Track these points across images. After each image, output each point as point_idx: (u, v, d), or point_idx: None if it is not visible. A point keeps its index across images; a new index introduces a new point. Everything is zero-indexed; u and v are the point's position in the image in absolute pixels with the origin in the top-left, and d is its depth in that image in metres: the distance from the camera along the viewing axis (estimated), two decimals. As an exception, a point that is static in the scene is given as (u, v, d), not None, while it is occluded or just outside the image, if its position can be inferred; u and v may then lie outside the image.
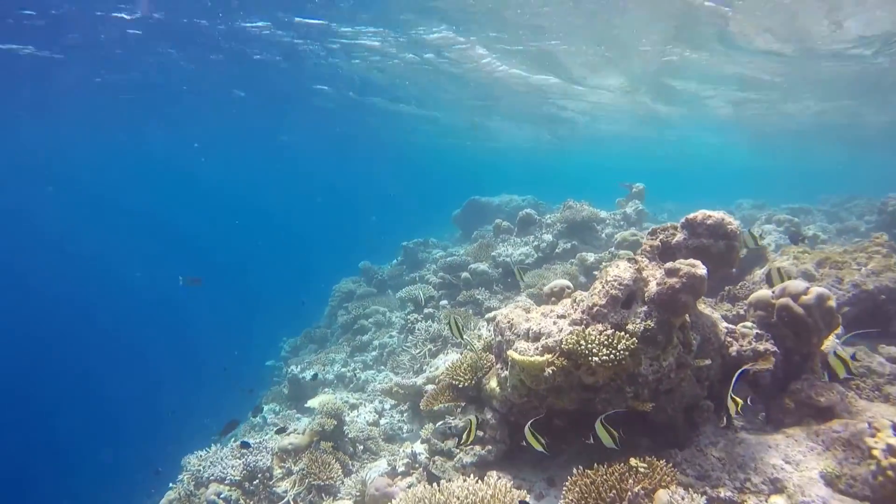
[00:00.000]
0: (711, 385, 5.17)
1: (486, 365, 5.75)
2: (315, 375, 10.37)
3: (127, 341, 31.49)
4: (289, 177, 69.66)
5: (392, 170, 68.52)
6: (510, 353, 4.81)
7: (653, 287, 4.59)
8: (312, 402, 8.55)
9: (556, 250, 11.18)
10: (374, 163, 61.18)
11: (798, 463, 4.34)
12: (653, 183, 13.86)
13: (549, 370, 4.68)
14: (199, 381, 21.69)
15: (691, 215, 4.74)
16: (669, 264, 4.43)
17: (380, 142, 40.33)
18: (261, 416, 9.78)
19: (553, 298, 5.86)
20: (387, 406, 8.45)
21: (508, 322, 5.20)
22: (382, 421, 8.10)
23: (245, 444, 6.22)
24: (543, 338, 4.83)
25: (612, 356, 4.36)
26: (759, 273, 7.12)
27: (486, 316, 7.41)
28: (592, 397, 4.80)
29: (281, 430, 6.86)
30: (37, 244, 50.20)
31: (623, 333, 4.46)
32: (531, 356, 4.73)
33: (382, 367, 11.14)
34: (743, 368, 4.51)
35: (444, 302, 11.16)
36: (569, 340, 4.52)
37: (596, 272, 9.54)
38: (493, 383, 5.39)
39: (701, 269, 4.33)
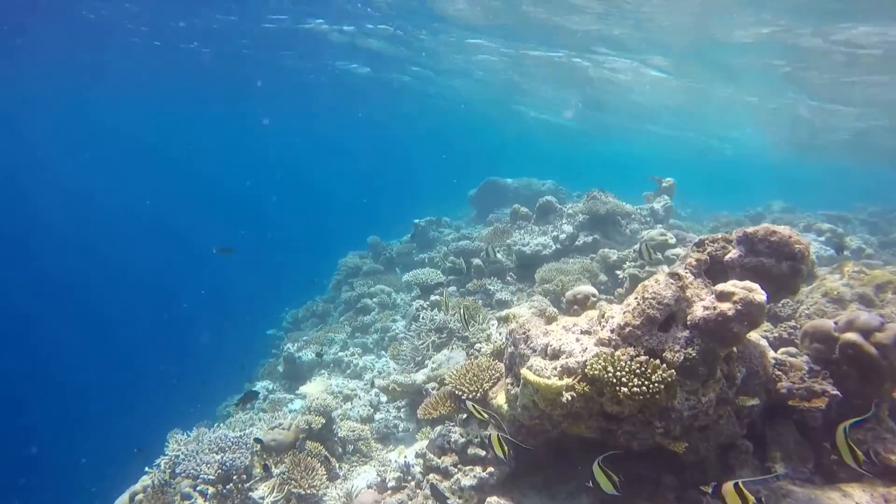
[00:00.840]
0: (753, 423, 4.50)
1: (494, 375, 5.11)
2: (318, 354, 9.83)
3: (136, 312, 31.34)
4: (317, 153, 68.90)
5: (414, 145, 67.34)
6: (524, 371, 4.15)
7: (698, 310, 3.89)
8: (305, 389, 8.01)
9: (577, 243, 10.44)
10: (397, 138, 60.22)
11: (856, 532, 3.67)
12: (679, 177, 12.95)
13: (567, 395, 4.03)
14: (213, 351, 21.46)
15: (751, 229, 4.01)
16: (722, 286, 3.71)
17: (404, 116, 39.46)
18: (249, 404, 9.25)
19: (575, 307, 5.17)
20: (383, 399, 7.89)
21: (524, 333, 4.53)
22: (377, 416, 7.54)
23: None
24: (564, 357, 4.16)
25: (644, 388, 3.68)
26: (805, 290, 6.37)
27: (498, 314, 6.74)
28: (615, 428, 4.15)
29: (258, 441, 6.30)
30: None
31: (658, 362, 3.77)
32: (548, 378, 4.07)
33: (383, 353, 10.59)
34: (858, 418, 3.81)
35: (451, 289, 10.51)
36: (594, 365, 3.85)
37: (618, 271, 8.82)
38: (501, 399, 4.75)
39: (760, 296, 3.62)
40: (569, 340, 4.23)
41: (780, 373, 4.47)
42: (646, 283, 4.09)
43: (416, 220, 16.97)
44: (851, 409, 4.43)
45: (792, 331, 5.70)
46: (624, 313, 4.05)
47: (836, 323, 4.44)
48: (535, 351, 4.34)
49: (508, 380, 4.71)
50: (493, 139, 53.17)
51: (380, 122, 45.14)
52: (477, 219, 18.82)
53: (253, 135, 51.87)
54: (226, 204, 60.35)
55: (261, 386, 11.26)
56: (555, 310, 6.55)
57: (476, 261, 10.45)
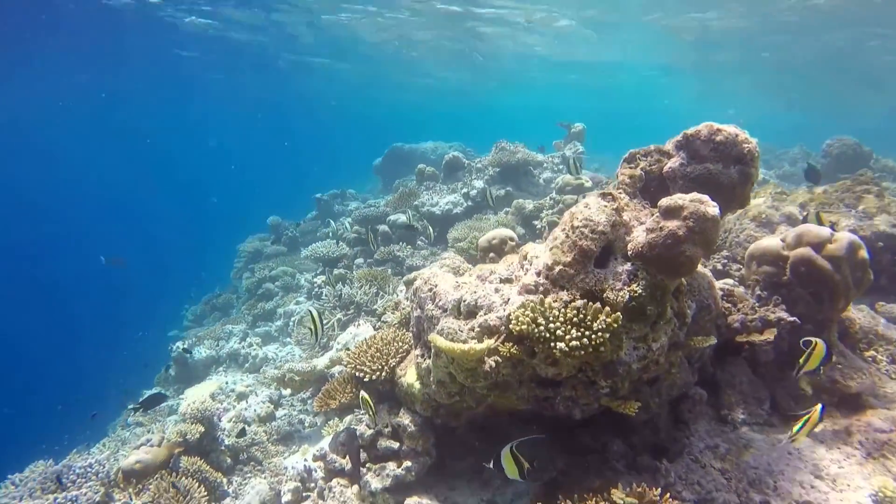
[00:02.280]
0: (703, 367, 3.88)
1: (402, 348, 4.17)
2: (188, 350, 8.50)
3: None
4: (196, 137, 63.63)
5: (307, 122, 64.15)
6: (433, 337, 3.23)
7: (640, 236, 3.12)
8: (191, 392, 6.75)
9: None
10: (288, 117, 56.84)
11: (835, 478, 3.11)
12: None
13: (490, 362, 3.17)
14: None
15: (692, 130, 3.27)
16: (667, 200, 2.95)
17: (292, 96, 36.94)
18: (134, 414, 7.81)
19: (492, 255, 4.31)
20: (286, 392, 6.77)
21: (430, 289, 3.60)
22: (280, 413, 6.43)
23: (59, 480, 4.38)
24: (482, 313, 3.29)
25: (584, 341, 2.88)
26: (730, 218, 5.91)
27: (405, 278, 5.80)
28: (552, 395, 3.35)
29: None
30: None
31: (599, 305, 2.98)
32: (464, 342, 3.18)
33: (288, 340, 9.40)
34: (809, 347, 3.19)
35: (359, 261, 9.45)
36: (520, 318, 3.00)
37: (536, 222, 8.14)
38: (412, 377, 3.83)
39: (712, 208, 2.89)
40: (486, 292, 3.35)
41: (728, 305, 3.86)
42: (573, 209, 3.28)
43: (319, 195, 15.61)
44: (802, 336, 3.91)
45: (726, 262, 5.20)
46: (551, 250, 3.21)
47: (782, 240, 3.87)
48: (445, 311, 3.43)
49: (417, 351, 3.78)
50: (393, 111, 51.36)
51: (273, 104, 42.23)
52: (384, 189, 17.72)
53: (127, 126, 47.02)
54: (110, 203, 54.98)
55: (150, 395, 9.75)
56: (469, 266, 5.70)
57: (382, 227, 9.43)
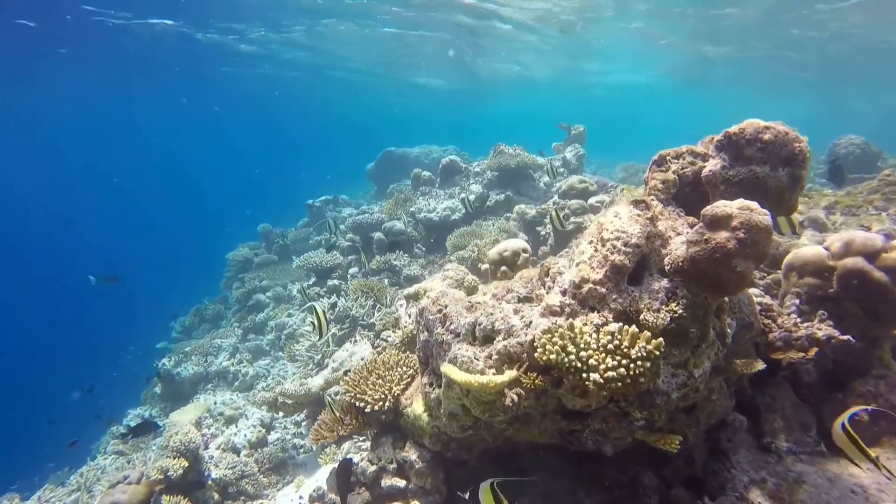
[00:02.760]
0: (740, 389, 3.50)
1: (406, 373, 3.77)
2: (159, 369, 8.08)
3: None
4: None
5: (298, 129, 63.55)
6: (447, 368, 2.83)
7: (678, 248, 2.75)
8: (176, 416, 6.29)
9: (488, 203, 9.30)
10: (281, 123, 56.19)
11: (908, 521, 2.74)
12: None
13: (512, 395, 2.77)
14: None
15: (735, 128, 2.90)
16: (712, 209, 2.58)
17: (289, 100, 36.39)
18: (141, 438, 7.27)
19: (504, 268, 3.92)
20: (279, 414, 6.34)
21: (440, 311, 3.20)
22: (272, 437, 6.00)
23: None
24: (500, 338, 2.89)
25: (622, 371, 2.50)
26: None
27: (406, 292, 5.39)
28: (579, 428, 2.97)
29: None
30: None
31: (636, 329, 2.60)
32: (481, 372, 2.79)
33: (280, 354, 8.97)
34: (857, 409, 2.82)
35: (353, 270, 9.03)
36: (548, 347, 2.61)
37: (539, 228, 7.76)
38: (419, 407, 3.42)
39: (764, 217, 2.52)
40: (504, 314, 2.96)
41: (768, 320, 3.49)
42: (601, 219, 2.90)
43: (310, 201, 15.17)
44: (850, 355, 3.54)
45: (787, 273, 4.83)
46: (577, 266, 2.83)
47: (826, 248, 3.51)
48: (457, 335, 3.03)
49: (425, 379, 3.38)
50: (387, 115, 50.83)
51: (263, 106, 41.59)
52: (378, 195, 17.31)
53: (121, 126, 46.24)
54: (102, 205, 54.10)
55: (135, 415, 9.27)
56: (474, 278, 5.32)
57: (377, 234, 9.01)
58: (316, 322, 4.50)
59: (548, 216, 7.40)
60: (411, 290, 5.22)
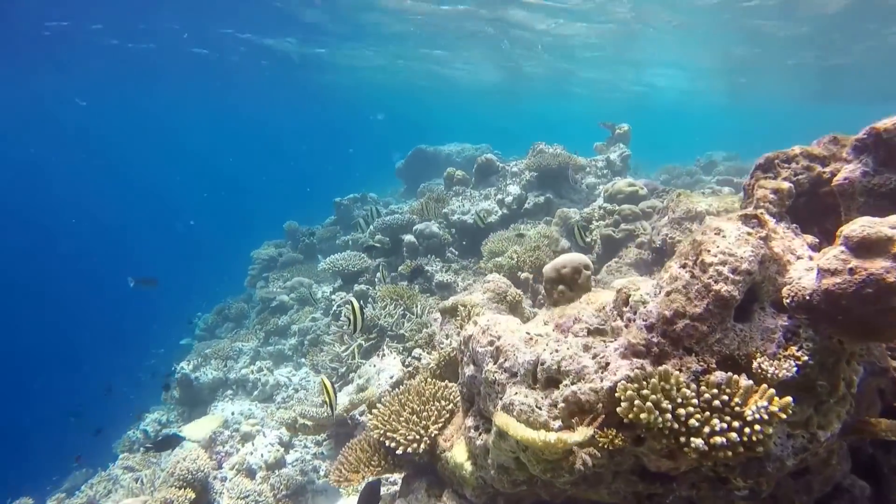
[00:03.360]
0: (859, 447, 2.86)
1: (446, 408, 3.22)
2: (177, 373, 7.72)
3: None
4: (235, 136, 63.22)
5: (329, 124, 63.47)
6: (501, 418, 2.28)
7: (805, 278, 2.14)
8: (189, 431, 5.86)
9: (527, 205, 8.70)
10: (308, 117, 56.01)
11: None
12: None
13: (584, 456, 2.21)
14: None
15: (881, 124, 2.29)
16: (859, 230, 1.96)
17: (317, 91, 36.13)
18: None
19: (562, 287, 3.34)
20: (298, 435, 5.87)
21: (490, 342, 2.65)
22: (290, 457, 5.53)
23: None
24: (568, 381, 2.33)
25: (733, 436, 1.91)
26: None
27: (442, 305, 4.84)
28: (660, 493, 2.39)
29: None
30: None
31: (749, 382, 2.01)
32: (544, 424, 2.23)
33: (303, 361, 8.53)
34: None
35: (380, 274, 8.54)
36: (635, 402, 2.03)
37: (591, 237, 7.14)
38: (461, 454, 2.87)
39: (930, 240, 1.90)
40: (573, 351, 2.39)
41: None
42: (698, 237, 2.30)
43: (338, 199, 14.75)
44: None
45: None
46: (668, 295, 2.24)
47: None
48: (513, 374, 2.47)
49: (469, 420, 2.83)
50: (421, 109, 50.10)
51: (298, 103, 41.40)
52: (407, 193, 16.84)
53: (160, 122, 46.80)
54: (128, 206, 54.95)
55: (152, 419, 8.95)
56: (518, 291, 4.75)
57: (408, 237, 8.50)
58: (352, 317, 4.22)
59: (574, 227, 6.80)
60: (447, 303, 4.67)
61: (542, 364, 2.38)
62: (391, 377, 4.81)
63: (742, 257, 2.16)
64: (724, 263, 2.16)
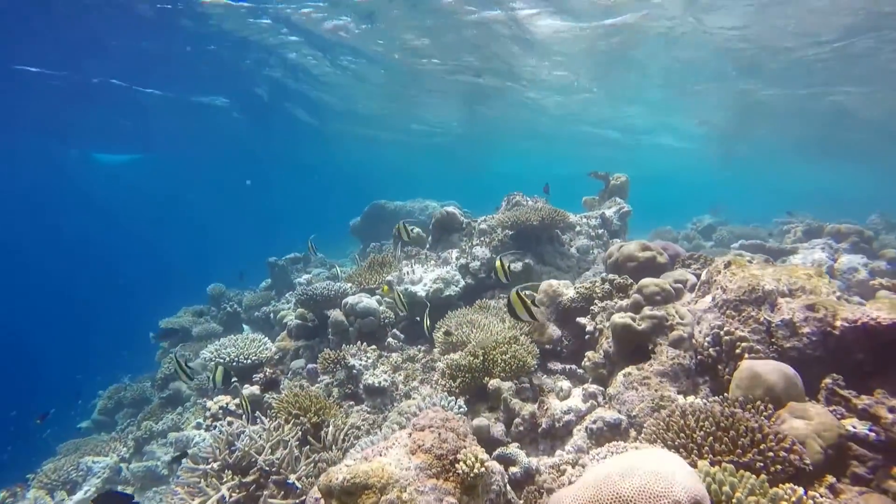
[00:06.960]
0: None
1: None
2: None
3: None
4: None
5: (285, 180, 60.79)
6: None
7: None
8: None
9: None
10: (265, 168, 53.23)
11: None
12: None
13: None
14: None
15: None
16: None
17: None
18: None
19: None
20: None
21: None
22: None
23: None
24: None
25: None
26: None
27: (322, 482, 2.43)
28: None
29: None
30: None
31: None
32: None
33: (178, 490, 5.84)
34: None
35: (297, 363, 6.05)
36: None
37: (581, 319, 4.88)
38: None
39: None
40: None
41: None
42: None
43: (273, 259, 12.29)
44: None
45: None
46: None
47: None
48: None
49: None
50: (379, 166, 47.90)
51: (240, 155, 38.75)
52: (362, 254, 14.54)
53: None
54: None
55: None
56: (481, 455, 2.36)
57: (334, 314, 6.07)
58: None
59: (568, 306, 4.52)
60: (337, 477, 2.24)
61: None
62: None
63: None
64: None
